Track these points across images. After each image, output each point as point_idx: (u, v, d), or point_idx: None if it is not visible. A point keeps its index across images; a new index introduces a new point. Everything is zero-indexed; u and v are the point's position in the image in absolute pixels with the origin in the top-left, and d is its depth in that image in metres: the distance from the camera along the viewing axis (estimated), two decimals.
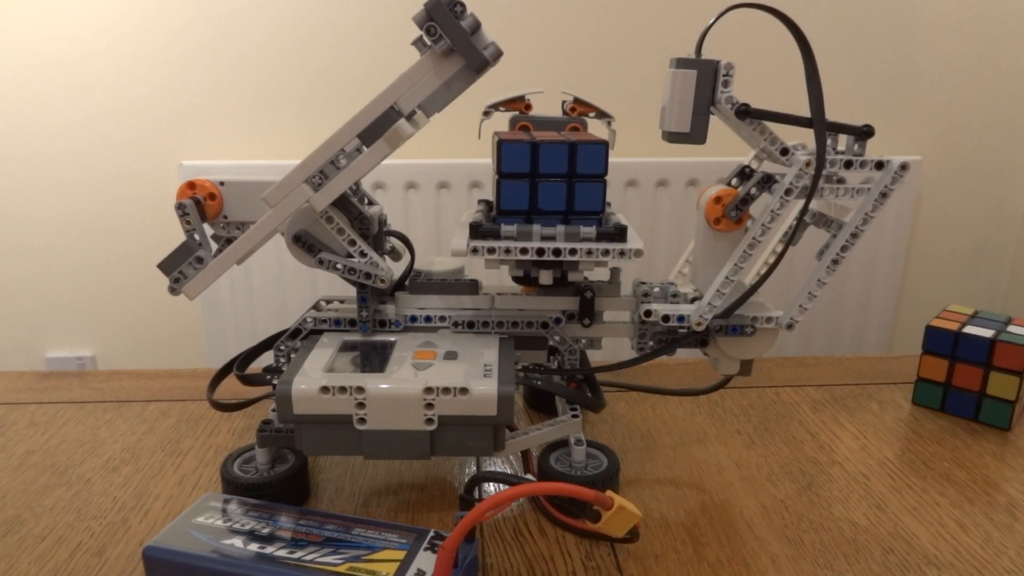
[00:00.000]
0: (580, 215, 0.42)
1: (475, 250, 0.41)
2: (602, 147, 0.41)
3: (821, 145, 0.41)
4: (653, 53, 1.22)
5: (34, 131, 1.19)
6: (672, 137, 0.43)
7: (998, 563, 0.40)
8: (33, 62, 1.16)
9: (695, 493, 0.47)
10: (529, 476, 0.47)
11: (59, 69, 1.16)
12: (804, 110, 0.41)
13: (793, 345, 1.35)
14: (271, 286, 1.22)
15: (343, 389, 0.39)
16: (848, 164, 0.42)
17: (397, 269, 0.46)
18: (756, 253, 0.44)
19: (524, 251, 0.41)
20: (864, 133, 0.42)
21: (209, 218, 0.44)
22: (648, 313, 0.44)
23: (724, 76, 0.41)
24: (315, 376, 0.39)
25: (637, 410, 0.58)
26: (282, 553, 0.34)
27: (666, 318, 0.44)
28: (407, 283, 0.47)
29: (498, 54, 0.38)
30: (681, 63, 0.42)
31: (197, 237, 0.42)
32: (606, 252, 0.41)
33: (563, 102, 0.56)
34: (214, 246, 0.45)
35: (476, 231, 0.41)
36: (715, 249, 0.45)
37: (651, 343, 0.46)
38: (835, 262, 0.43)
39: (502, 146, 0.41)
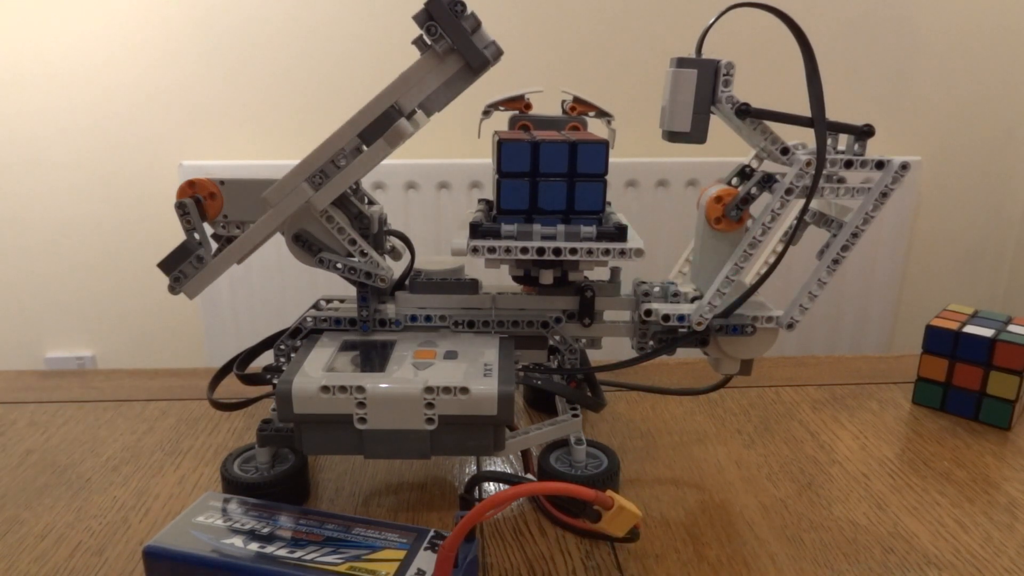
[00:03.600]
0: (580, 215, 0.42)
1: (475, 250, 0.41)
2: (602, 147, 0.41)
3: (821, 145, 0.41)
4: (653, 53, 1.22)
5: (34, 131, 1.19)
6: (672, 137, 0.43)
7: (998, 563, 0.40)
8: (33, 63, 1.16)
9: (695, 493, 0.47)
10: (529, 476, 0.47)
11: (59, 70, 1.16)
12: (804, 110, 0.41)
13: (793, 345, 1.35)
14: (271, 286, 1.22)
15: (343, 388, 0.39)
16: (848, 164, 0.42)
17: (397, 269, 0.46)
18: (756, 253, 0.44)
19: (524, 251, 0.41)
20: (864, 133, 0.42)
21: (209, 217, 0.44)
22: (648, 313, 0.44)
23: (724, 75, 0.41)
24: (315, 375, 0.39)
25: (637, 410, 0.58)
26: (282, 553, 0.34)
27: (666, 318, 0.44)
28: (407, 283, 0.47)
29: (498, 53, 0.38)
30: (681, 62, 0.42)
31: (197, 236, 0.42)
32: (606, 252, 0.41)
33: (563, 101, 0.56)
34: (214, 245, 0.45)
35: (476, 231, 0.41)
36: (715, 249, 0.45)
37: (651, 343, 0.46)
38: (835, 262, 0.43)
39: (502, 145, 0.41)
